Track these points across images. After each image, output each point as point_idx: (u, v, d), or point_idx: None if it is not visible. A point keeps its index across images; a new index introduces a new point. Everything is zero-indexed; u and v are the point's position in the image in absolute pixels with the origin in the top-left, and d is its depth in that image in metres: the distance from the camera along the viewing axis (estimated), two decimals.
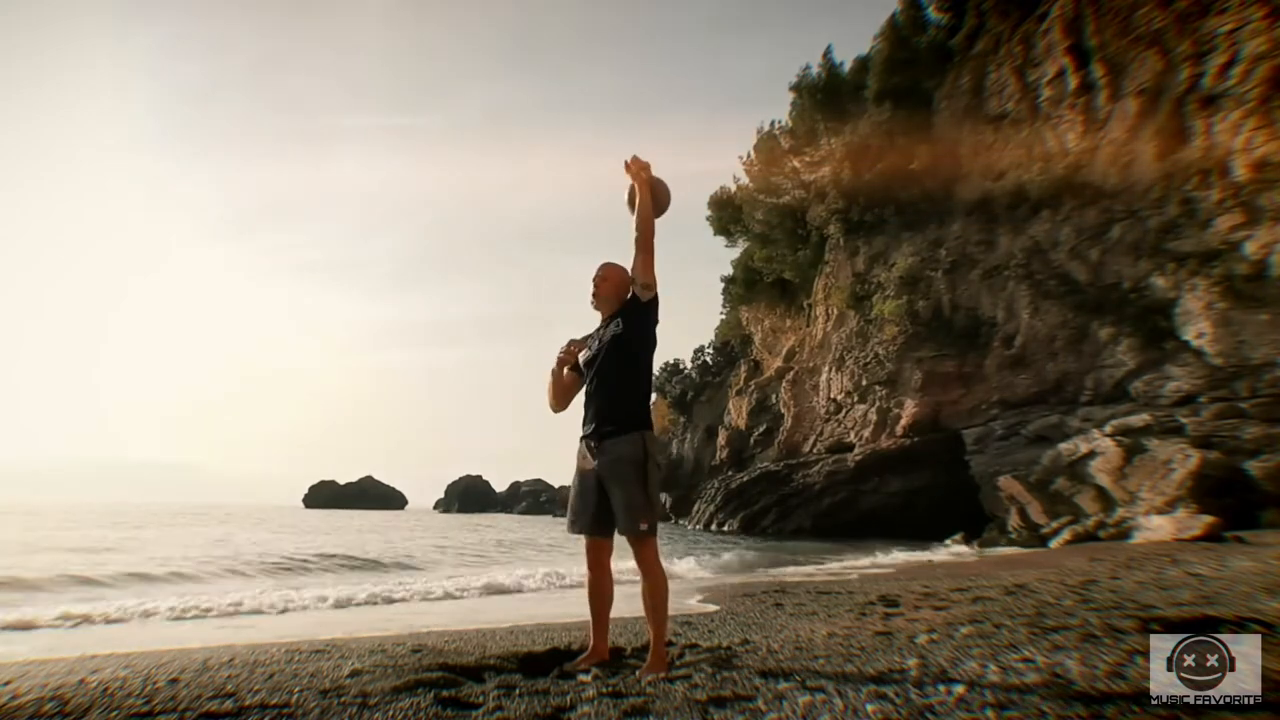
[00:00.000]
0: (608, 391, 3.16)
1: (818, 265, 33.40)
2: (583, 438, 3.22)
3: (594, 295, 3.31)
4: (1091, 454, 18.96)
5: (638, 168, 3.25)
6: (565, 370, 3.36)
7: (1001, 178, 25.76)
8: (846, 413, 28.76)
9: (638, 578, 3.12)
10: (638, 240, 3.20)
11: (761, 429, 35.40)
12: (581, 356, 3.29)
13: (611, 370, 3.17)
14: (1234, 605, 4.21)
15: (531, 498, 78.48)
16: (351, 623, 6.04)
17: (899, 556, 13.92)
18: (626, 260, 3.28)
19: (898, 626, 4.00)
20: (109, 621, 6.28)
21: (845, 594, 6.36)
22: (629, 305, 3.23)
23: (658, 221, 3.27)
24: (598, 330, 3.31)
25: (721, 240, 40.94)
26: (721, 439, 38.19)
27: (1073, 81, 23.47)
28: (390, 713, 2.37)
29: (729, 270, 41.93)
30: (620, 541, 3.19)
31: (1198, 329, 18.83)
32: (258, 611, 6.94)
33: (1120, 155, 22.02)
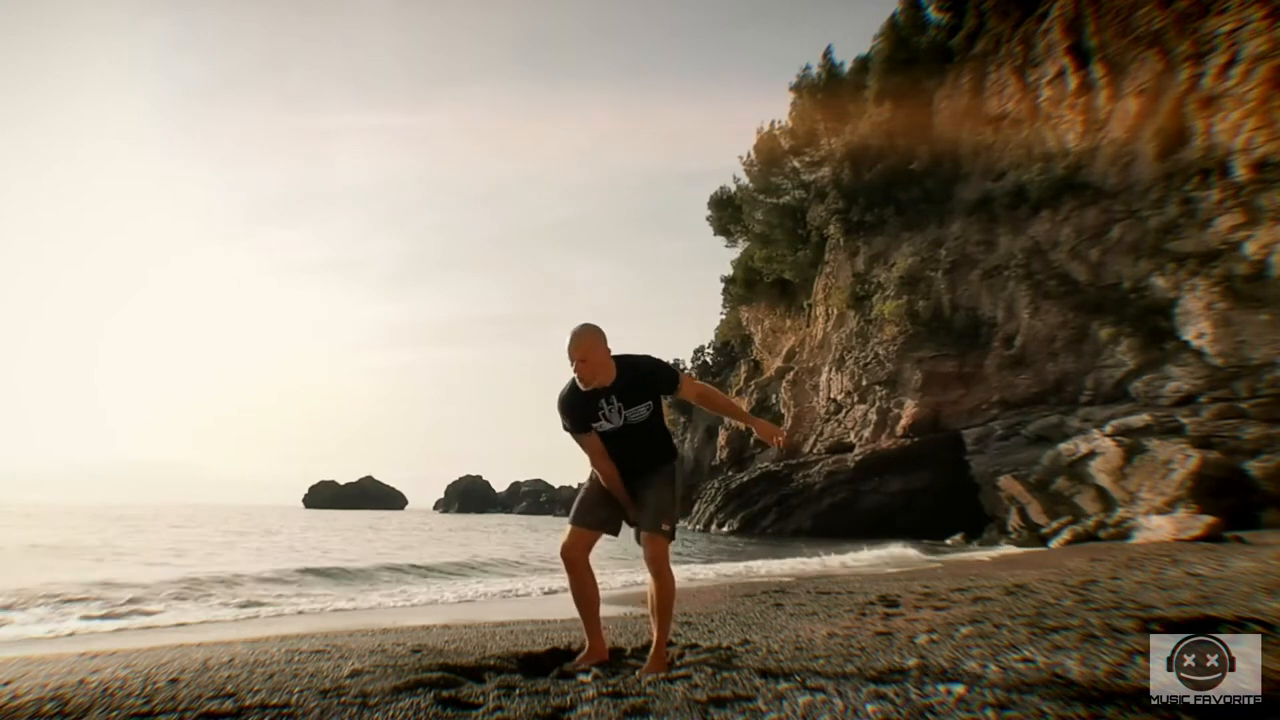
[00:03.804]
0: (641, 456, 3.21)
1: (818, 265, 33.40)
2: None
3: (580, 379, 3.06)
4: (1091, 454, 18.96)
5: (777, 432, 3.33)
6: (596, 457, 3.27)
7: (1001, 178, 25.77)
8: (846, 413, 28.77)
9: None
10: (711, 405, 3.39)
11: None
12: (600, 427, 3.14)
13: (646, 438, 3.20)
14: (1234, 605, 4.21)
15: (531, 498, 78.49)
16: None
17: (950, 556, 13.94)
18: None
19: (898, 626, 4.00)
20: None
21: (845, 594, 6.36)
22: (664, 390, 3.19)
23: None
24: (608, 402, 3.10)
25: (721, 240, 41.01)
26: (721, 439, 38.20)
27: (1073, 81, 23.48)
28: (390, 713, 2.37)
29: (729, 270, 42.02)
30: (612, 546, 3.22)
31: (1198, 329, 18.84)
32: None
33: (1120, 155, 22.04)
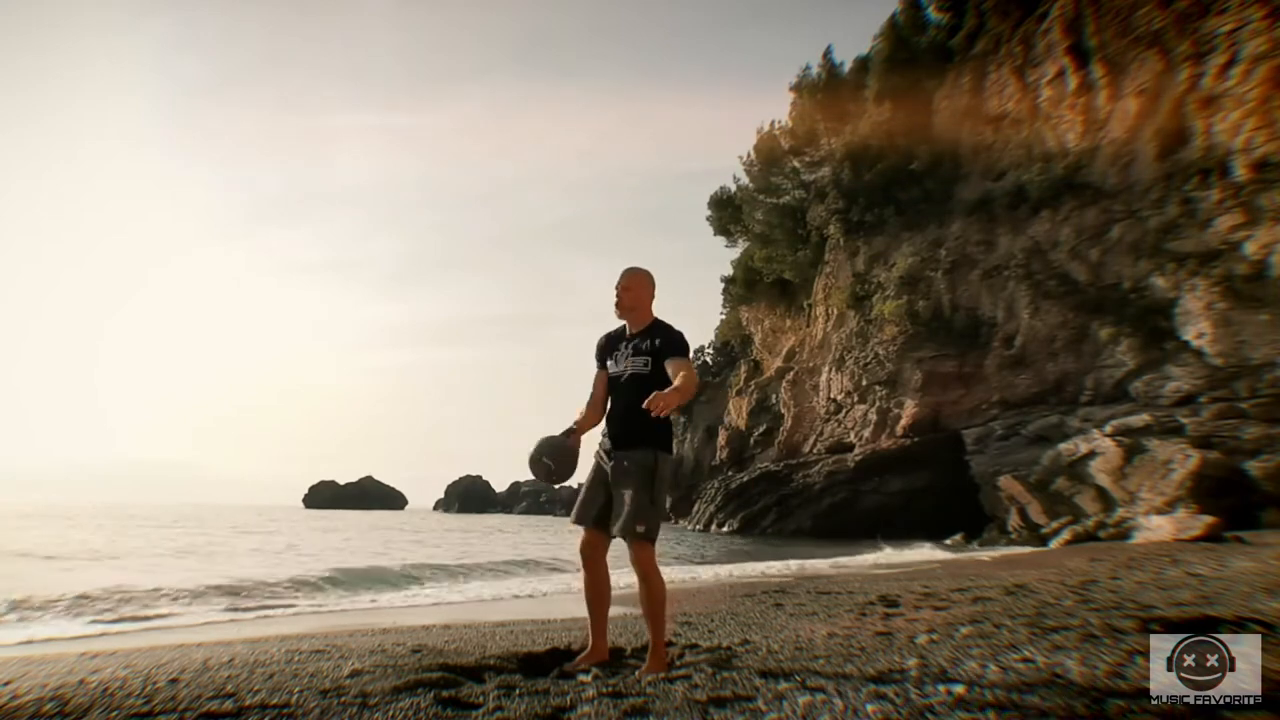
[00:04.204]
0: (627, 415, 3.21)
1: (818, 265, 33.39)
2: (600, 442, 3.31)
3: (617, 305, 3.32)
4: (1091, 454, 18.96)
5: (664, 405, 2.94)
6: (596, 383, 3.41)
7: (1001, 178, 25.76)
8: (846, 413, 28.76)
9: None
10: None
11: (761, 429, 35.40)
12: (610, 367, 3.33)
13: (634, 399, 3.16)
14: (1234, 605, 4.21)
15: (532, 498, 78.43)
16: None
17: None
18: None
19: (898, 626, 4.00)
20: None
21: (845, 594, 6.36)
22: (654, 354, 3.20)
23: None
24: (626, 346, 3.28)
25: (721, 240, 40.96)
26: (721, 439, 38.17)
27: (1073, 81, 23.48)
28: (390, 713, 2.37)
29: (729, 270, 41.94)
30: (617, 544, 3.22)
31: (1198, 329, 18.83)
32: None
33: (1120, 155, 22.03)
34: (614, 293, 3.32)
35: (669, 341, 3.22)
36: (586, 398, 3.41)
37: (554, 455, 3.19)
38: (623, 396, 3.24)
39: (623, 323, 3.35)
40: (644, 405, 2.85)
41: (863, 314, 28.84)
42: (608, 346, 3.37)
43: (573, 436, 3.28)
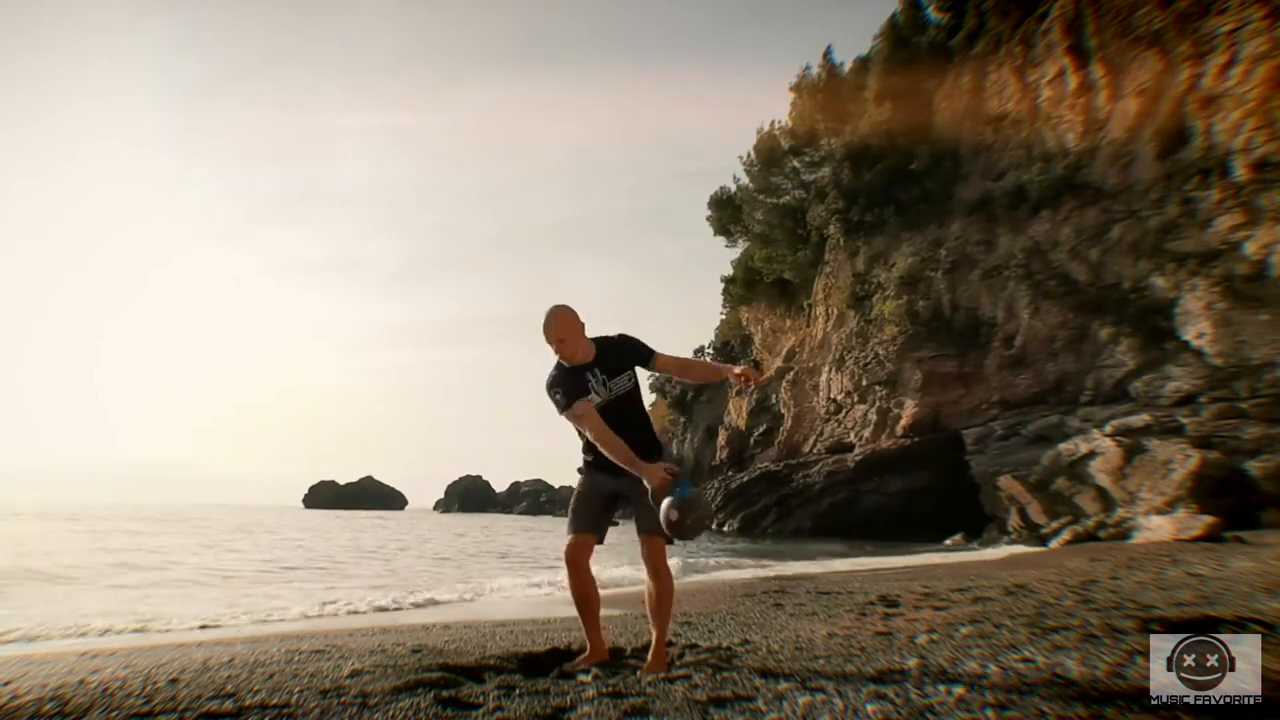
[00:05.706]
0: (631, 433, 3.15)
1: (818, 265, 33.39)
2: (598, 467, 3.20)
3: (562, 357, 3.16)
4: (1091, 454, 18.96)
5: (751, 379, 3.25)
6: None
7: (1001, 178, 25.76)
8: (846, 413, 28.76)
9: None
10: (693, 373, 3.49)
11: (761, 429, 35.41)
12: (593, 399, 3.16)
13: (632, 415, 3.24)
14: (1234, 605, 4.21)
15: (531, 498, 78.44)
16: None
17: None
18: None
19: (898, 626, 4.00)
20: None
21: (845, 594, 6.35)
22: (639, 361, 3.28)
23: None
24: (593, 376, 3.17)
25: (721, 240, 40.95)
26: (721, 439, 38.19)
27: (1073, 81, 23.47)
28: (390, 713, 2.37)
29: (729, 270, 41.94)
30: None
31: (1198, 329, 18.83)
32: None
33: (1120, 155, 22.02)
34: (552, 347, 3.13)
35: (629, 345, 3.28)
36: (591, 434, 3.11)
37: (699, 509, 2.97)
38: (619, 420, 3.14)
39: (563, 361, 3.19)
40: (752, 380, 3.23)
41: (863, 314, 28.84)
42: (577, 383, 3.13)
43: (676, 470, 3.06)
